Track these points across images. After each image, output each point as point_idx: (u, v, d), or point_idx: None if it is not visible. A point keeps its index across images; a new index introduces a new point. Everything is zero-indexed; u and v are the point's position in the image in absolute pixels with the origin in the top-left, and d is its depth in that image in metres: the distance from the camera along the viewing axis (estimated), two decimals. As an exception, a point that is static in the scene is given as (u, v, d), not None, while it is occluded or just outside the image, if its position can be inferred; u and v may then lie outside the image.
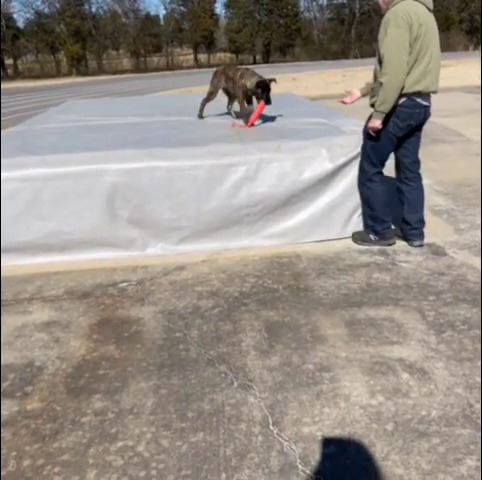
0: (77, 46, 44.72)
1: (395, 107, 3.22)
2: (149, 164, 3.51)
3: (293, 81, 18.79)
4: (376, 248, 3.56)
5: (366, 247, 3.57)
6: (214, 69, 4.87)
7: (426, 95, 3.27)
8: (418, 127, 3.41)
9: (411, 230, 3.56)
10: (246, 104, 4.34)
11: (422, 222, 3.58)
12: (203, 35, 48.11)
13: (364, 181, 3.53)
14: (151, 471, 1.79)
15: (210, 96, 4.70)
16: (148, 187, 3.50)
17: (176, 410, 2.08)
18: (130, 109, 6.05)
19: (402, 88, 3.16)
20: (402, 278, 3.11)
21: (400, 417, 1.98)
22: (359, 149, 3.60)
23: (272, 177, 3.57)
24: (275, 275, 3.26)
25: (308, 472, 1.75)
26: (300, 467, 1.77)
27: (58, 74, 43.81)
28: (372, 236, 3.60)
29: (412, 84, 3.17)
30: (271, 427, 1.96)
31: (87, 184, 3.48)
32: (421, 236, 3.57)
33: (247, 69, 4.34)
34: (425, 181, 4.99)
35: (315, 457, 1.81)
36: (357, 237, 3.67)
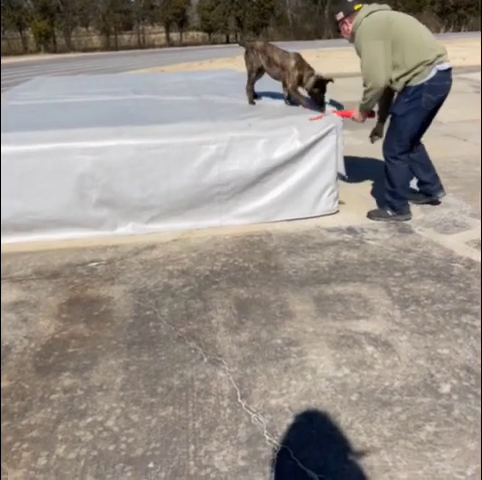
0: (45, 22, 43.32)
1: (424, 84, 3.29)
2: (118, 142, 3.47)
3: (266, 61, 18.59)
4: (345, 226, 3.61)
5: (335, 225, 3.63)
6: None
7: (442, 60, 3.33)
8: (443, 99, 3.48)
9: (432, 186, 3.81)
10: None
11: (437, 177, 3.82)
12: (175, 13, 47.15)
13: (389, 158, 3.58)
14: (120, 445, 1.81)
15: (250, 77, 4.14)
16: (117, 166, 3.46)
17: (146, 386, 2.10)
18: (100, 87, 5.92)
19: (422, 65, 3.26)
20: (369, 255, 3.18)
21: (364, 388, 2.04)
22: (329, 127, 3.63)
23: (243, 156, 3.57)
24: (246, 254, 3.29)
25: (275, 442, 1.80)
26: (267, 438, 1.82)
27: (25, 51, 42.43)
28: (389, 212, 3.68)
29: (424, 60, 3.25)
30: (239, 400, 2.00)
31: (55, 163, 3.42)
32: (442, 188, 3.83)
33: (300, 57, 3.86)
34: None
35: (282, 428, 1.86)
36: (374, 214, 3.74)
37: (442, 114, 7.51)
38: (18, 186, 3.39)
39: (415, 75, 3.28)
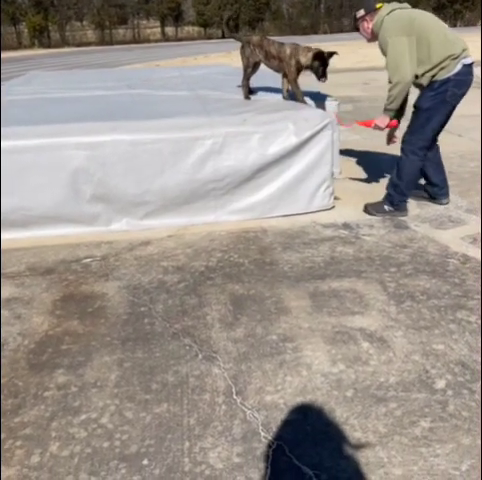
0: (39, 17, 42.98)
1: (451, 78, 3.29)
2: (112, 137, 3.44)
3: (262, 56, 18.54)
4: (340, 222, 3.60)
5: (331, 221, 3.62)
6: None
7: (466, 55, 3.34)
8: (466, 93, 3.47)
9: (440, 190, 3.83)
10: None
11: (446, 181, 3.85)
12: (170, 7, 46.88)
13: (408, 152, 3.56)
14: (115, 442, 1.80)
15: (246, 72, 4.12)
16: (112, 161, 3.43)
17: (140, 382, 2.09)
18: (94, 82, 5.89)
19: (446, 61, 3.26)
20: (365, 251, 3.17)
21: (360, 384, 2.03)
22: (324, 122, 3.62)
23: (238, 151, 3.55)
24: (241, 249, 3.27)
25: (270, 438, 1.79)
26: (262, 434, 1.81)
27: (19, 46, 42.10)
28: (387, 207, 3.67)
29: (450, 55, 3.26)
30: (234, 396, 1.99)
31: (49, 158, 3.39)
32: (448, 194, 3.86)
33: (296, 44, 3.88)
34: (390, 156, 5.06)
35: (277, 424, 1.85)
36: (371, 209, 3.72)
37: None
38: (12, 182, 3.36)
39: (441, 69, 3.28)
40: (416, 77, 3.36)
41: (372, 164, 4.93)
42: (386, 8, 3.40)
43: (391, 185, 3.68)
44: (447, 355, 2.18)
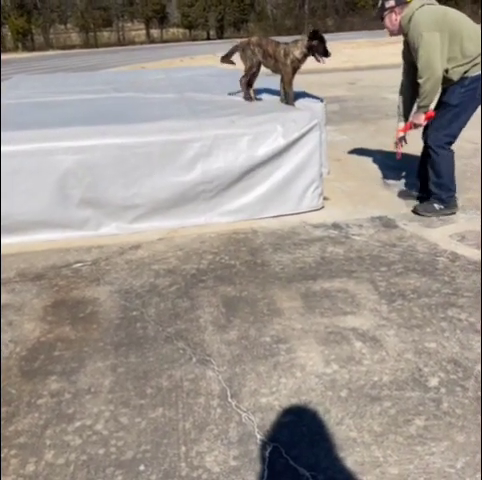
0: (22, 20, 42.66)
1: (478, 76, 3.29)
2: (101, 141, 3.43)
3: (248, 57, 18.57)
4: (330, 222, 3.62)
5: (320, 221, 3.63)
6: (235, 41, 4.19)
7: None
8: None
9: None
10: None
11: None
12: (155, 9, 46.80)
13: (435, 148, 3.52)
14: (110, 448, 1.79)
15: (250, 72, 4.03)
16: (100, 165, 3.42)
17: (134, 387, 2.08)
18: (81, 85, 5.85)
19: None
20: (355, 250, 3.19)
21: (353, 384, 2.05)
22: (312, 124, 3.64)
23: (227, 153, 3.56)
24: (232, 251, 3.27)
25: (266, 440, 1.79)
26: (258, 436, 1.81)
27: (3, 49, 41.75)
28: (436, 205, 3.63)
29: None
30: (229, 399, 1.99)
31: (37, 163, 3.37)
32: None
33: (286, 43, 3.89)
34: (377, 156, 5.10)
35: (273, 426, 1.86)
36: (420, 209, 3.68)
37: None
38: (1, 187, 3.33)
39: (474, 66, 3.28)
40: (446, 71, 3.32)
41: (360, 164, 4.97)
42: (416, 2, 3.34)
43: (434, 184, 3.61)
44: (439, 353, 2.20)
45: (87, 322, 2.57)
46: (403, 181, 4.39)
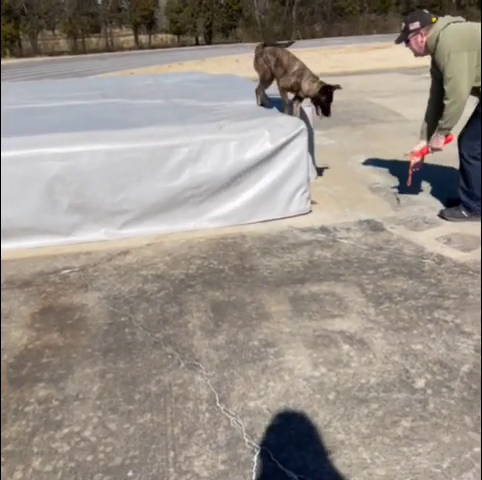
0: (9, 26, 42.47)
1: None
2: (88, 147, 3.43)
3: (236, 62, 18.69)
4: (318, 226, 3.64)
5: (308, 225, 3.66)
6: (250, 46, 4.30)
7: None
8: None
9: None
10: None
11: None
12: (143, 15, 46.79)
13: (467, 157, 3.50)
14: (99, 455, 1.79)
15: (264, 80, 3.98)
16: (88, 171, 3.42)
17: (123, 393, 2.08)
18: (69, 91, 5.84)
19: None
20: (342, 254, 3.21)
21: (341, 386, 2.06)
22: (299, 128, 3.66)
23: (215, 158, 3.57)
24: (221, 256, 3.28)
25: (254, 444, 1.80)
26: (246, 440, 1.82)
27: (-10, 56, 41.54)
28: (464, 212, 3.61)
29: None
30: (218, 404, 2.00)
31: (25, 169, 3.36)
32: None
33: (304, 66, 3.76)
34: (364, 160, 5.14)
35: (261, 430, 1.86)
36: (447, 214, 3.66)
37: (408, 114, 7.66)
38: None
39: None
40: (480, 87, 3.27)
41: (346, 168, 5.01)
42: (441, 22, 3.30)
43: (463, 193, 3.59)
44: (426, 355, 2.22)
45: (75, 328, 2.56)
46: (390, 184, 4.43)
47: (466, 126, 3.52)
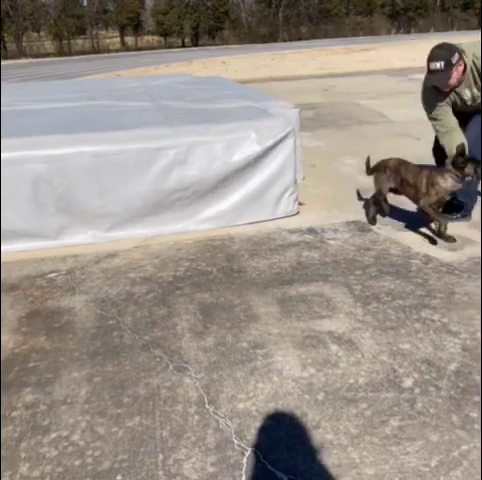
0: (-6, 28, 42.11)
1: None
2: (75, 150, 3.41)
3: (223, 64, 18.73)
4: (305, 227, 3.66)
5: (296, 227, 3.67)
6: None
7: None
8: None
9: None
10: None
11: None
12: (129, 17, 46.63)
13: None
14: (87, 459, 1.77)
15: (378, 196, 3.61)
16: (74, 173, 3.40)
17: (111, 397, 2.07)
18: (55, 93, 5.81)
19: None
20: (330, 255, 3.23)
21: (330, 386, 2.07)
22: (287, 131, 3.67)
23: (202, 160, 3.57)
24: (209, 258, 3.28)
25: (244, 446, 1.80)
26: (236, 442, 1.82)
27: (-26, 57, 41.12)
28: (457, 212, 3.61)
29: None
30: (207, 406, 1.99)
31: (10, 172, 3.33)
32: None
33: (430, 171, 3.34)
34: (351, 161, 5.17)
35: (250, 431, 1.86)
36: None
37: (394, 115, 7.72)
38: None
39: None
40: None
41: (333, 170, 5.03)
42: (467, 47, 3.30)
43: (463, 193, 3.53)
44: (413, 354, 2.24)
45: (62, 332, 2.54)
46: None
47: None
